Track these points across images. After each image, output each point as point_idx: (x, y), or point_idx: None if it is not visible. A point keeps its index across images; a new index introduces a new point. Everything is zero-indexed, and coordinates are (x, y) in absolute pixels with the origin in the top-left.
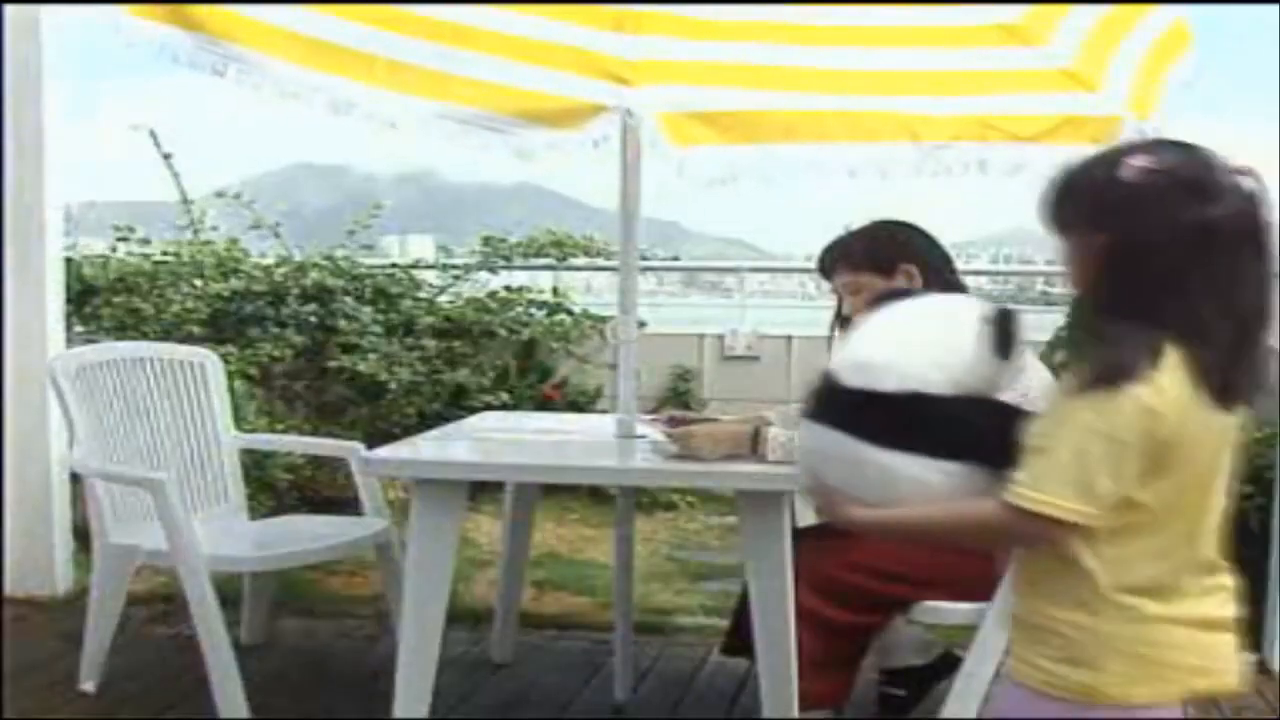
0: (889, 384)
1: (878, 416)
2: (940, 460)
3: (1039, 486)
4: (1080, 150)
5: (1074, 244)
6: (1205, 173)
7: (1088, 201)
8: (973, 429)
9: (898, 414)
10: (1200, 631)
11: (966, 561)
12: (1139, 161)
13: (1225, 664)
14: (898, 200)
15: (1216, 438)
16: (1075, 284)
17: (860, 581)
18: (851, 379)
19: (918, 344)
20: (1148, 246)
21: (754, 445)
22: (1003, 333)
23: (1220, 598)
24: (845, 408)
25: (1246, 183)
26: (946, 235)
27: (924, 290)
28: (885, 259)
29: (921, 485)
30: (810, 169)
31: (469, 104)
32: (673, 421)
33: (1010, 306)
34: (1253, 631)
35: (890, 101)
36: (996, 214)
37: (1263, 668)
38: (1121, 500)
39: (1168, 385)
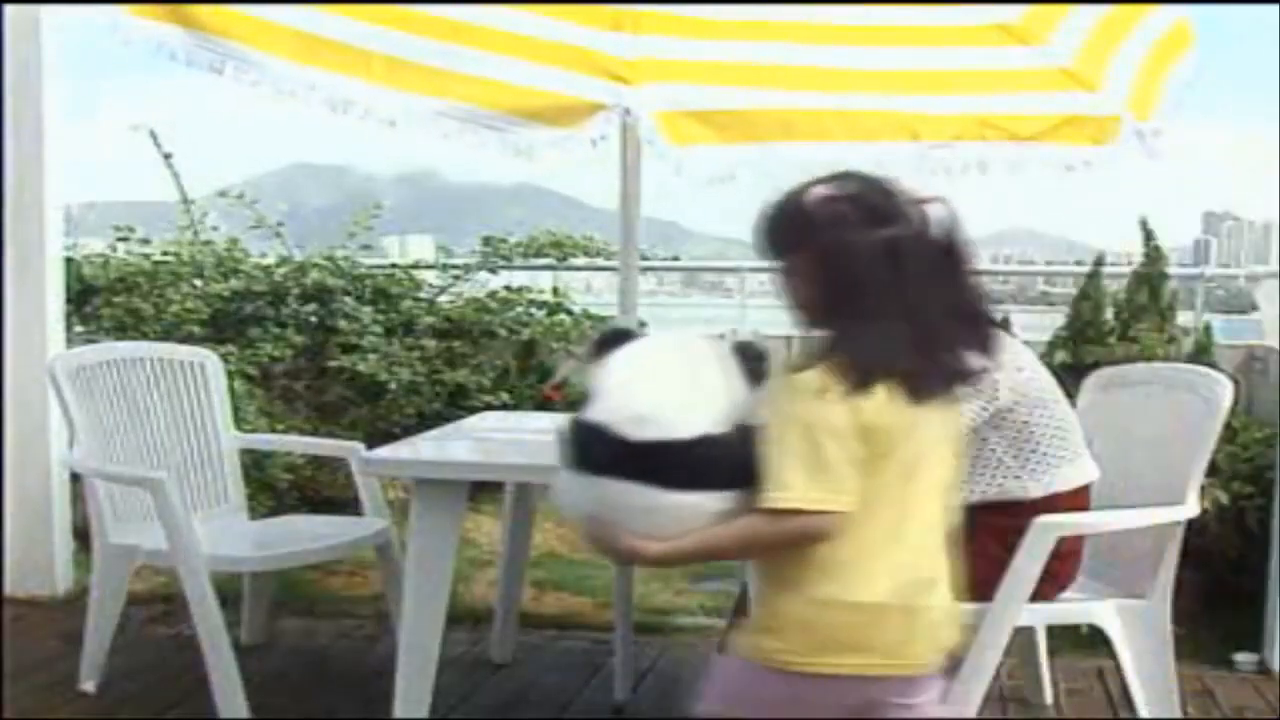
0: (679, 431)
1: (671, 463)
2: (729, 491)
3: (784, 488)
4: (1080, 149)
5: (780, 268)
6: (883, 199)
7: (781, 230)
8: (751, 457)
9: (689, 457)
10: (887, 614)
11: (966, 561)
12: (822, 191)
13: (912, 647)
14: None
15: (915, 432)
16: (789, 302)
17: None
18: (637, 432)
19: (687, 388)
20: (836, 266)
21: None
22: (750, 366)
23: (921, 590)
24: (635, 459)
25: (933, 209)
26: None
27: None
28: None
29: (716, 517)
30: (809, 168)
31: (467, 101)
32: None
33: (753, 340)
34: (1253, 631)
35: (890, 100)
36: (996, 214)
37: (1262, 668)
38: (856, 485)
39: (875, 392)
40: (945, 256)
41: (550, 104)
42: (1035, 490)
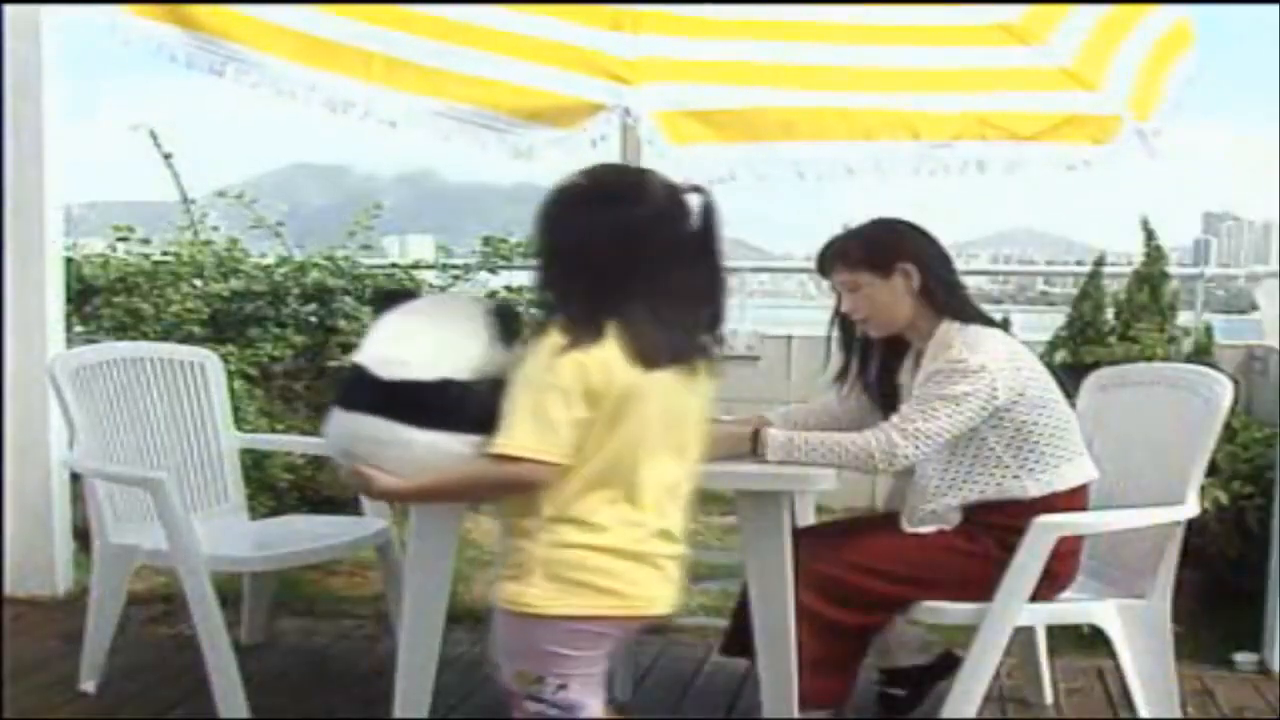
0: (425, 374)
1: (415, 402)
2: (468, 435)
3: (510, 436)
4: (1080, 149)
5: (534, 254)
6: (628, 186)
7: (539, 214)
8: (493, 407)
9: (432, 399)
10: (620, 560)
11: (966, 562)
12: (574, 178)
13: (648, 592)
14: (899, 200)
15: (653, 396)
16: (536, 282)
17: (860, 581)
18: (387, 372)
19: (440, 338)
20: (576, 244)
21: (753, 446)
22: (505, 325)
23: (651, 541)
24: (383, 396)
25: (691, 199)
26: (947, 235)
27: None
28: (882, 257)
29: (454, 458)
30: (809, 167)
31: (466, 102)
32: None
33: (509, 301)
34: (1253, 632)
35: (890, 99)
36: (996, 214)
37: (1263, 668)
38: (575, 442)
39: (600, 349)
40: (692, 241)
41: (550, 104)
42: (1034, 490)
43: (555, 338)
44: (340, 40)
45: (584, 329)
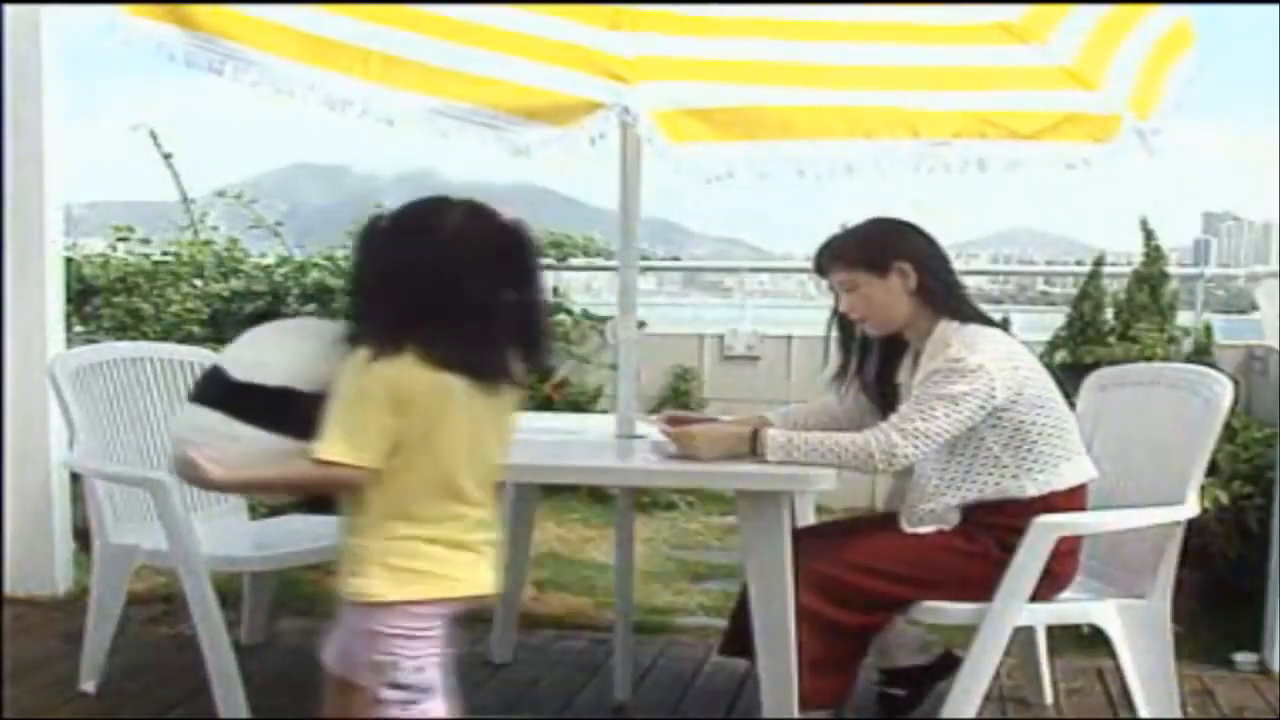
0: (268, 380)
1: (254, 403)
2: (296, 439)
3: (325, 443)
4: (1080, 147)
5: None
6: (423, 221)
7: (352, 249)
8: (322, 416)
9: (271, 403)
10: (447, 550)
11: (966, 562)
12: (381, 215)
13: (472, 575)
14: (899, 199)
15: (454, 403)
16: (348, 303)
17: (860, 581)
18: (239, 373)
19: (292, 351)
20: (376, 273)
21: (753, 446)
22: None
23: (472, 530)
24: (229, 394)
25: (501, 225)
26: (947, 235)
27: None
28: (879, 257)
29: (275, 456)
30: (808, 166)
31: (464, 100)
32: (672, 421)
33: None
34: (1253, 632)
35: (890, 97)
36: (996, 214)
37: (1263, 668)
38: (389, 448)
39: (401, 363)
40: (491, 268)
41: (548, 102)
42: (1032, 489)
43: (363, 354)
44: (339, 38)
45: (386, 345)
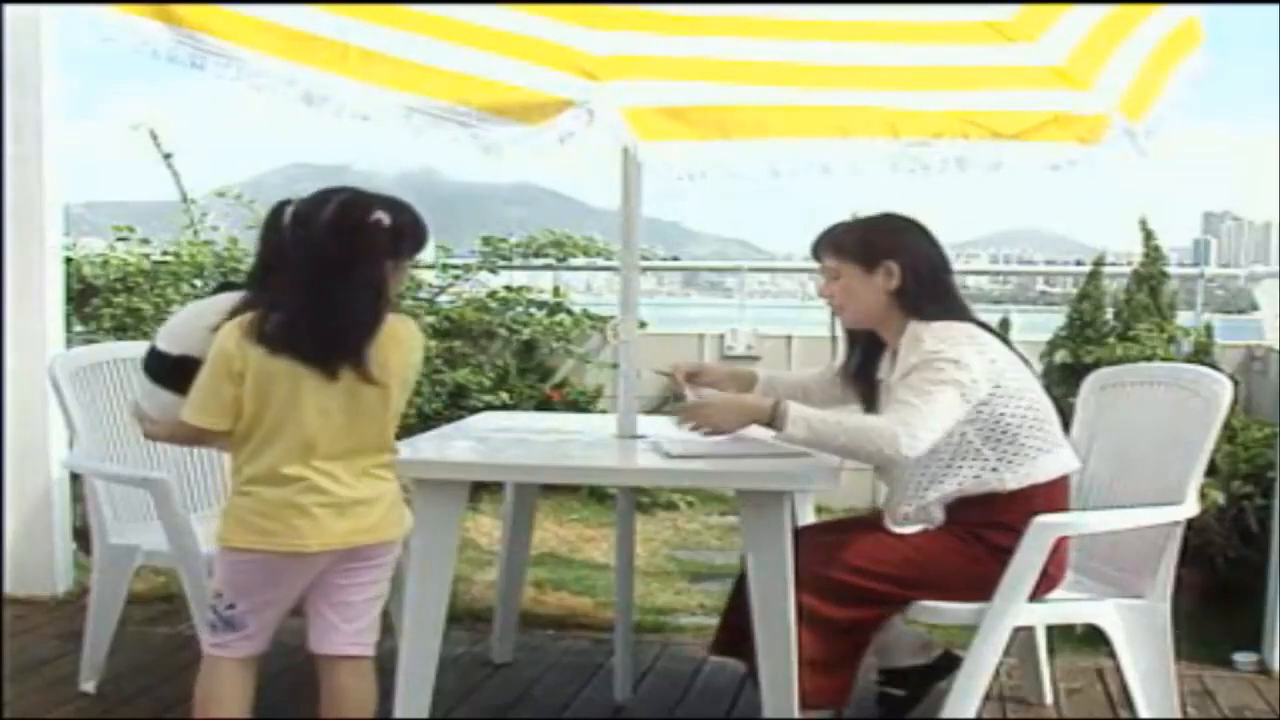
0: (173, 349)
1: (164, 368)
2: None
3: (186, 404)
4: (1066, 148)
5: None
6: (308, 207)
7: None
8: None
9: (172, 368)
10: (281, 508)
11: (966, 561)
12: (291, 198)
13: (300, 535)
14: (900, 199)
15: (282, 377)
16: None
17: (860, 581)
18: (160, 344)
19: (196, 325)
20: (258, 252)
21: (771, 418)
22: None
23: (305, 494)
24: (153, 361)
25: (372, 221)
26: (947, 235)
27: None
28: (870, 252)
29: (174, 412)
30: (782, 165)
31: (436, 96)
32: (689, 376)
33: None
34: (1253, 632)
35: (868, 96)
36: (997, 214)
37: (1263, 668)
38: (235, 411)
39: (238, 337)
40: (347, 256)
41: (518, 100)
42: (1012, 482)
43: (225, 330)
44: (318, 33)
45: (237, 320)
